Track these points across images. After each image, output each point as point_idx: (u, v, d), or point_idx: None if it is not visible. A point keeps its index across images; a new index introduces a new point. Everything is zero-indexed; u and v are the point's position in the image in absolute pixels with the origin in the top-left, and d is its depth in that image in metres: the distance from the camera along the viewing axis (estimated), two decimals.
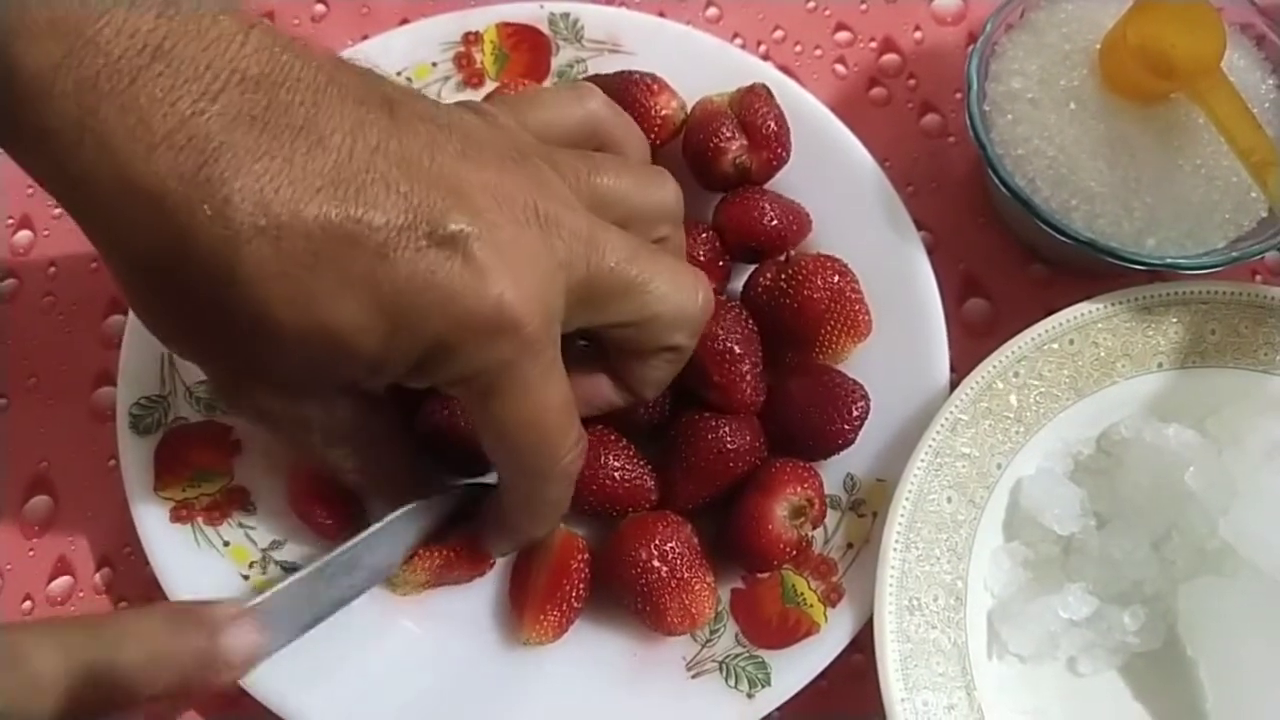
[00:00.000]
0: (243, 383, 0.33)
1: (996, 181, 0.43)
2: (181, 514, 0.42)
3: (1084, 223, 0.43)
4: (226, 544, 0.41)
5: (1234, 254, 0.42)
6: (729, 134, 0.44)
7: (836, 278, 0.43)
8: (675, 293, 0.35)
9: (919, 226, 0.47)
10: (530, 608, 0.41)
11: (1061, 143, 0.43)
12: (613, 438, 0.41)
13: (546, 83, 0.49)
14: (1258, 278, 0.48)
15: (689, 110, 0.46)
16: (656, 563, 0.40)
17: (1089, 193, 0.43)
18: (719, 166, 0.45)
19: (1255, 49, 0.46)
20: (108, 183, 0.27)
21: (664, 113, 0.45)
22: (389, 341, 0.30)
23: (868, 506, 0.42)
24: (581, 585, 0.41)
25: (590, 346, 0.38)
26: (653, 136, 0.45)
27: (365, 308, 0.29)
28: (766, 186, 0.46)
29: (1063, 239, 0.42)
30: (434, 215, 0.30)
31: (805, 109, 0.47)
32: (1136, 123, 0.43)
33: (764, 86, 0.45)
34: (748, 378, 0.41)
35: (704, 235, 0.45)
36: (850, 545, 0.42)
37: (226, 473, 0.43)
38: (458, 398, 0.34)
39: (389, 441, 0.38)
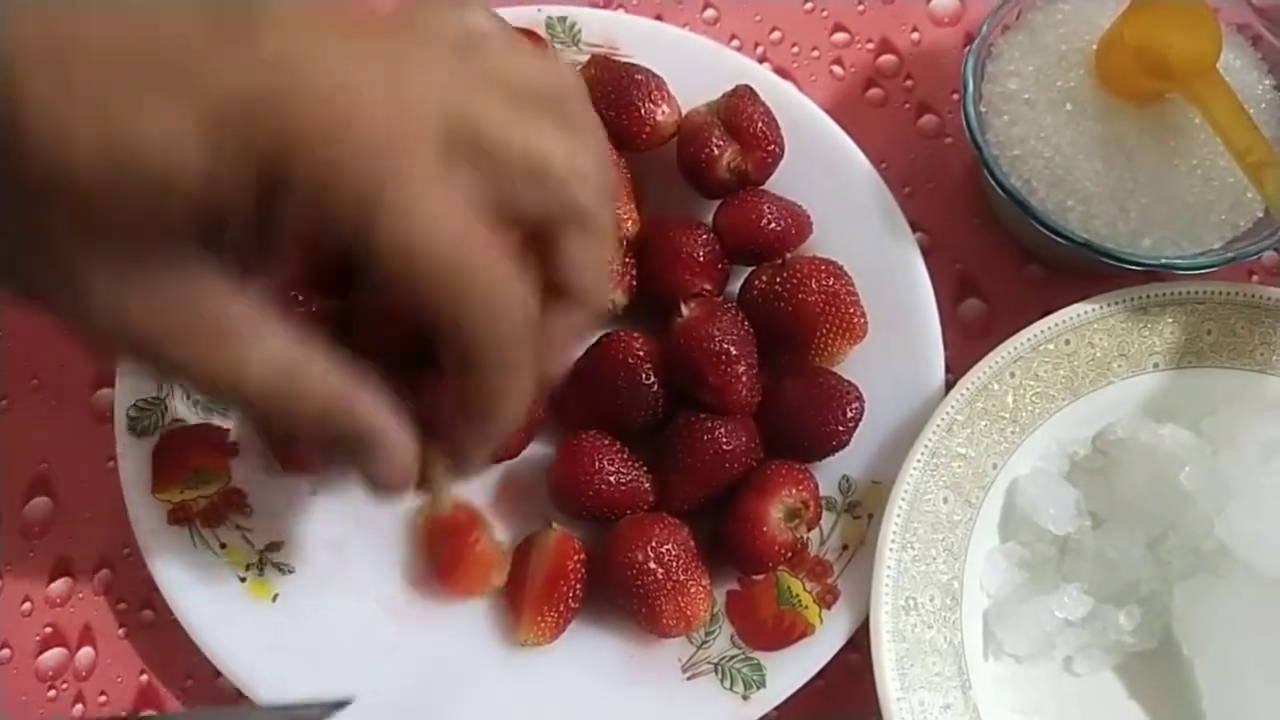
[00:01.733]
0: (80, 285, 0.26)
1: (993, 182, 0.43)
2: (179, 516, 0.42)
3: (1080, 223, 0.43)
4: (224, 546, 0.42)
5: (1230, 254, 0.42)
6: (719, 142, 0.44)
7: (831, 280, 0.43)
8: (565, 146, 0.29)
9: (916, 227, 0.47)
10: (528, 609, 0.41)
11: (1058, 143, 0.43)
12: (606, 442, 0.42)
13: None
14: (1254, 277, 0.48)
15: (682, 118, 0.46)
16: (652, 565, 0.40)
17: (1085, 193, 0.43)
18: (715, 175, 0.45)
19: (1251, 49, 0.46)
20: None
21: (657, 119, 0.45)
22: (215, 162, 0.24)
23: (863, 508, 0.42)
24: (578, 586, 0.41)
25: None
26: (641, 141, 0.45)
27: (182, 119, 0.24)
28: (765, 188, 0.46)
29: (1059, 240, 0.42)
30: (244, 9, 0.24)
31: (801, 111, 0.47)
32: (1133, 123, 0.43)
33: (747, 88, 0.45)
34: (743, 379, 0.41)
35: (704, 238, 0.45)
36: (845, 547, 0.42)
37: (224, 474, 0.43)
38: (332, 248, 0.27)
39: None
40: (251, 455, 0.43)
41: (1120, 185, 0.43)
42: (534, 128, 0.28)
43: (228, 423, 0.44)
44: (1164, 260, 0.42)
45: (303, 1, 0.26)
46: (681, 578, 0.40)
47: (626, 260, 0.45)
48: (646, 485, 0.42)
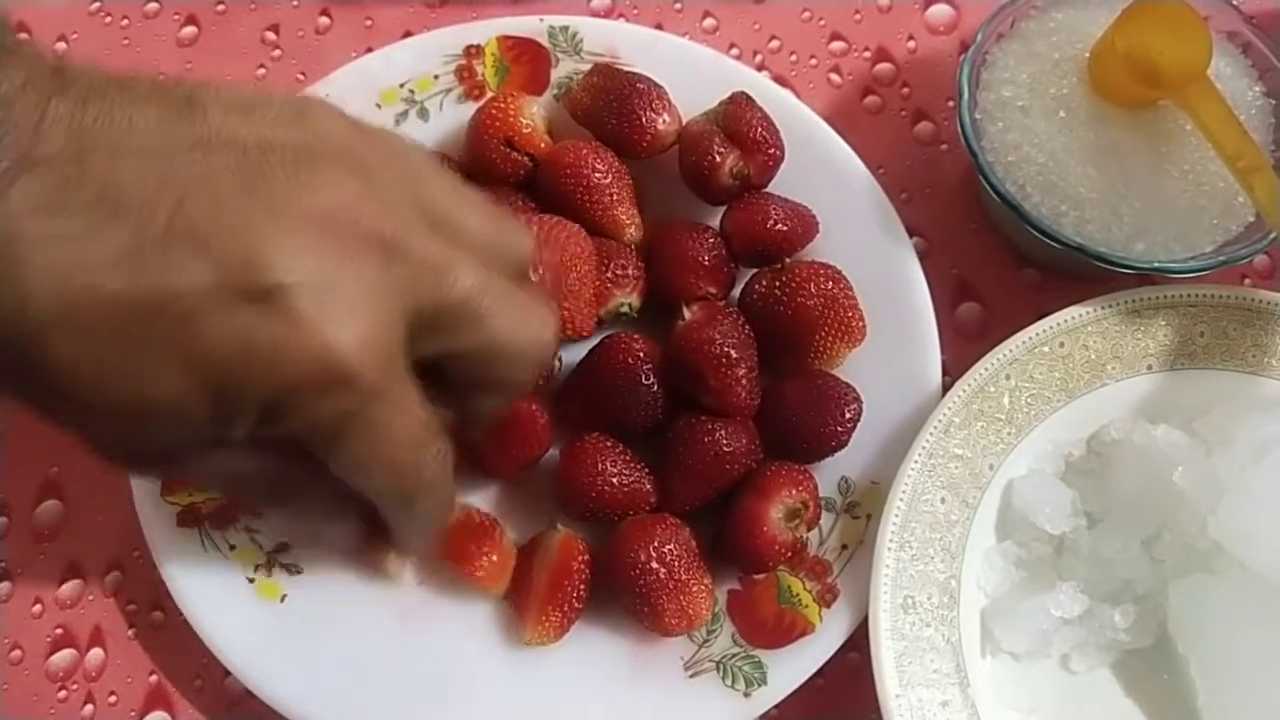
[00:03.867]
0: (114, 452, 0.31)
1: (988, 188, 0.44)
2: (188, 518, 0.42)
3: (1074, 228, 0.44)
4: (233, 547, 0.42)
5: (1221, 258, 0.43)
6: (720, 149, 0.45)
7: (830, 284, 0.43)
8: (521, 328, 0.33)
9: (913, 233, 0.48)
10: (532, 609, 0.41)
11: (1051, 149, 0.44)
12: (609, 444, 0.42)
13: (546, 94, 0.50)
14: (1246, 281, 0.49)
15: (682, 128, 0.47)
16: (655, 564, 0.40)
17: (1078, 198, 0.44)
18: (718, 181, 0.46)
19: (1242, 56, 0.47)
20: None
21: (658, 127, 0.46)
22: (218, 408, 0.28)
23: (862, 509, 0.43)
24: (582, 586, 0.41)
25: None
26: (642, 149, 0.46)
27: (184, 379, 0.27)
28: (768, 191, 0.47)
29: (1053, 244, 0.43)
30: (246, 269, 0.27)
31: (800, 119, 0.48)
32: (1125, 129, 0.44)
33: (744, 94, 0.46)
34: (743, 382, 0.42)
35: (710, 241, 0.46)
36: (845, 546, 0.42)
37: None
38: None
39: (309, 486, 0.34)
40: None
41: (1113, 190, 0.44)
42: (500, 299, 0.32)
43: None
44: (1157, 264, 0.43)
45: (302, 239, 0.28)
46: (683, 577, 0.41)
47: (639, 264, 0.46)
48: (649, 486, 0.42)
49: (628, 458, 0.42)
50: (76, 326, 0.26)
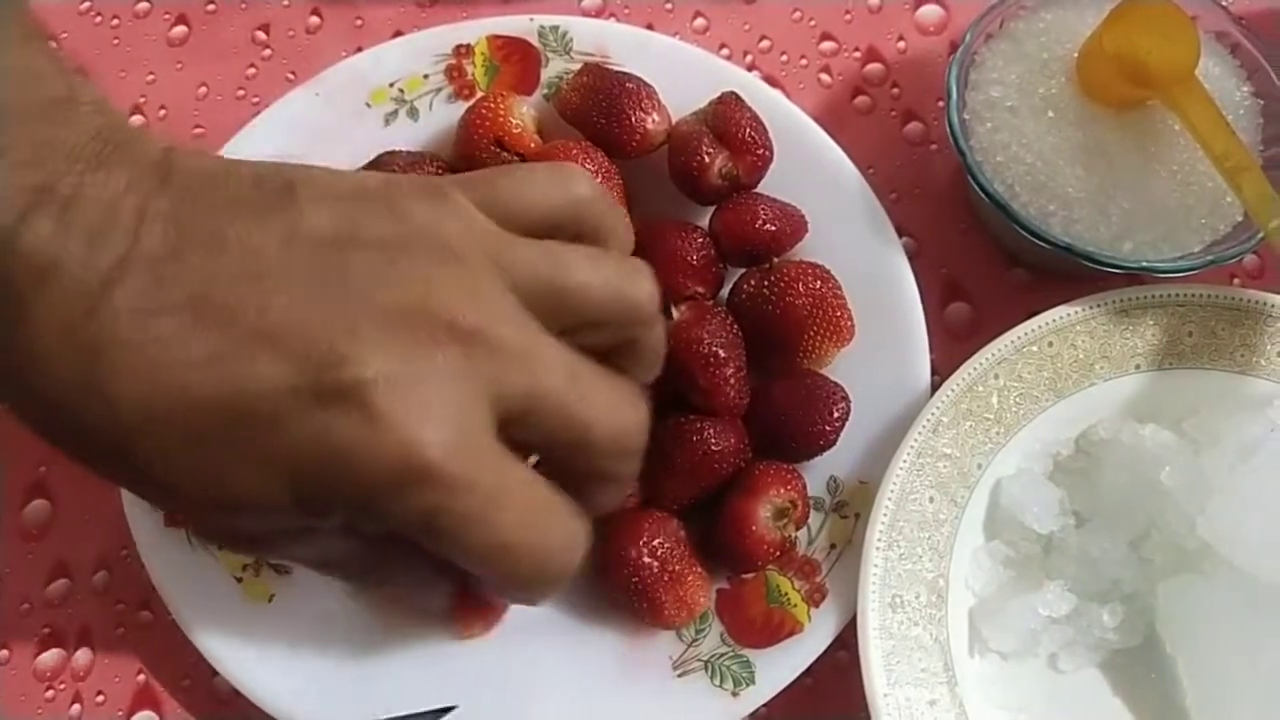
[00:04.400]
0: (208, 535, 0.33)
1: (976, 188, 0.44)
2: (175, 518, 0.42)
3: (1062, 228, 0.44)
4: (220, 547, 0.42)
5: (1209, 257, 0.43)
6: (709, 149, 0.45)
7: (818, 284, 0.43)
8: (609, 418, 0.31)
9: (902, 232, 0.48)
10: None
11: (1040, 149, 0.44)
12: None
13: (536, 94, 0.50)
14: (1235, 280, 0.49)
15: (671, 128, 0.47)
16: (647, 559, 0.40)
17: (1066, 198, 0.44)
18: (707, 182, 0.46)
19: (1230, 56, 0.47)
20: (16, 390, 0.28)
21: (647, 127, 0.46)
22: (304, 506, 0.28)
23: (850, 508, 0.43)
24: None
25: None
26: (631, 148, 0.46)
27: (267, 479, 0.27)
28: (757, 191, 0.47)
29: (1041, 244, 0.43)
30: (323, 369, 0.27)
31: (789, 119, 0.48)
32: (1113, 129, 0.44)
33: (733, 94, 0.46)
34: (731, 381, 0.42)
35: (699, 241, 0.46)
36: (833, 546, 0.42)
37: None
38: None
39: (405, 562, 0.33)
40: None
41: (1101, 190, 0.44)
42: (589, 391, 0.31)
43: None
44: (1144, 263, 0.43)
45: (382, 343, 0.28)
46: (677, 568, 0.41)
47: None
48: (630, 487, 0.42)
49: None
50: (164, 427, 0.27)
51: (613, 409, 0.31)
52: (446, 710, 0.39)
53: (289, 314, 0.27)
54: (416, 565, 0.33)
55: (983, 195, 0.44)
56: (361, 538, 0.31)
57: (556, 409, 0.30)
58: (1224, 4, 0.47)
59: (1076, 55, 0.45)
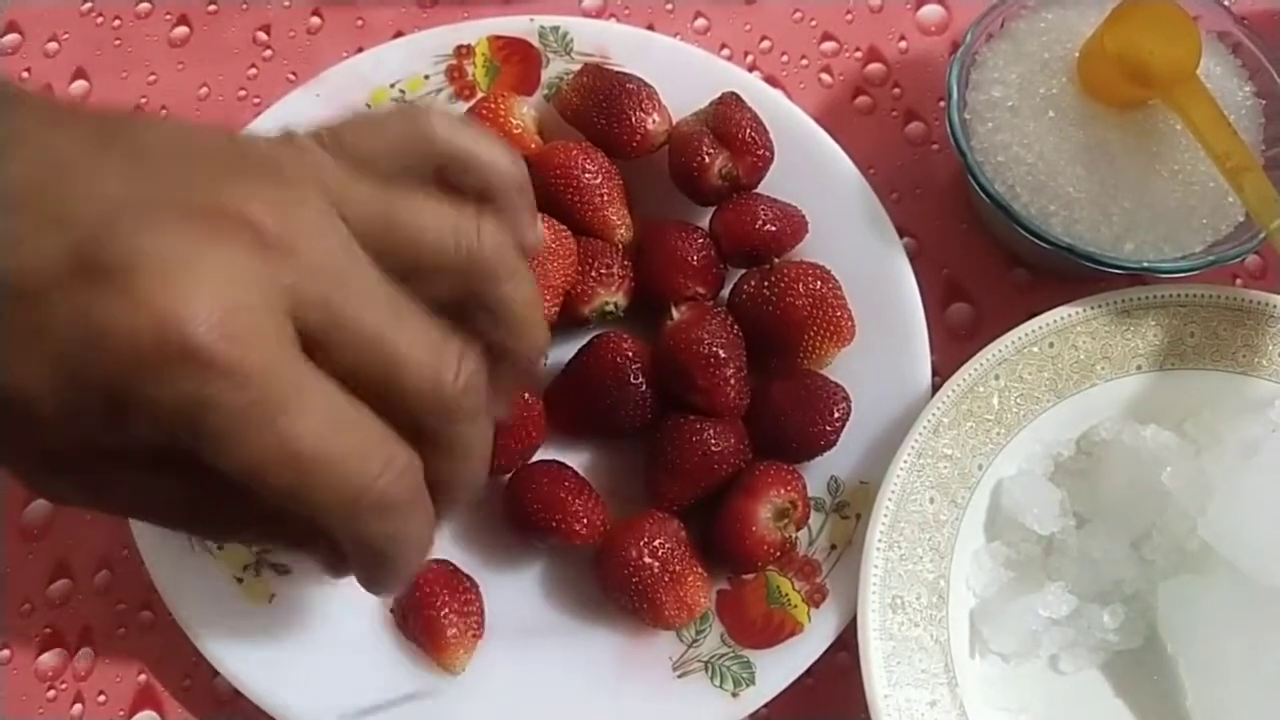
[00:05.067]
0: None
1: (977, 188, 0.44)
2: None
3: (1063, 228, 0.44)
4: (220, 547, 0.42)
5: (1211, 258, 0.43)
6: (709, 149, 0.45)
7: (819, 284, 0.43)
8: (428, 365, 0.28)
9: (904, 233, 0.48)
10: (431, 647, 0.41)
11: (1041, 149, 0.44)
12: (556, 469, 0.43)
13: (537, 95, 0.50)
14: (1237, 280, 0.49)
15: (672, 128, 0.47)
16: (648, 559, 0.40)
17: (1067, 198, 0.44)
18: (707, 182, 0.46)
19: (1231, 56, 0.47)
20: None
21: (647, 127, 0.46)
22: (65, 399, 0.26)
23: (851, 509, 0.43)
24: (459, 600, 0.41)
25: None
26: (631, 149, 0.46)
27: (31, 365, 0.26)
28: (758, 191, 0.47)
29: (1042, 244, 0.43)
30: (96, 245, 0.25)
31: (790, 119, 0.48)
32: (1114, 129, 0.44)
33: (734, 95, 0.46)
34: (732, 381, 0.42)
35: (699, 242, 0.46)
36: (834, 546, 0.42)
37: None
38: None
39: (236, 508, 0.29)
40: None
41: (1102, 190, 0.44)
42: (400, 333, 0.28)
43: None
44: (1146, 264, 0.43)
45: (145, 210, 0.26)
46: (678, 568, 0.41)
47: (625, 263, 0.46)
48: (600, 517, 0.42)
49: (574, 483, 0.42)
50: None
51: (434, 354, 0.28)
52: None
53: (87, 202, 0.26)
54: (251, 514, 0.29)
55: (983, 196, 0.43)
56: (173, 473, 0.28)
57: (361, 336, 0.27)
58: (1226, 4, 0.47)
59: (1077, 55, 0.45)
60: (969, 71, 0.46)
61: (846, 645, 0.41)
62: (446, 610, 0.41)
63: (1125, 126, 0.44)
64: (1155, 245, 0.43)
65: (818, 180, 0.48)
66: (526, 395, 0.42)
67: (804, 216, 0.46)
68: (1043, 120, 0.45)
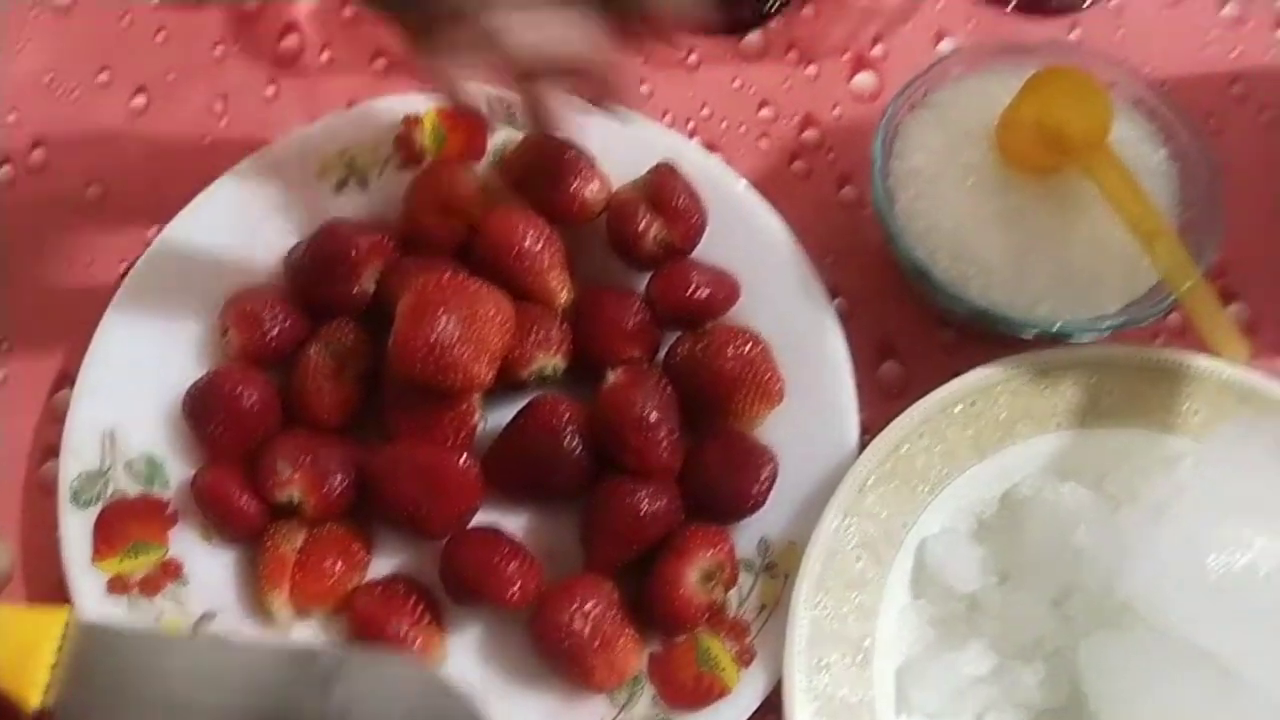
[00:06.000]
0: None
1: (898, 253, 0.45)
2: (117, 586, 0.43)
3: (980, 291, 0.45)
4: (160, 615, 0.43)
5: (1124, 319, 0.44)
6: (644, 217, 0.47)
7: (748, 347, 0.45)
8: None
9: (837, 293, 0.50)
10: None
11: (960, 215, 0.46)
12: (490, 533, 0.44)
13: (483, 162, 0.51)
14: (1159, 338, 0.50)
15: (610, 196, 0.49)
16: (579, 623, 0.41)
17: (985, 263, 0.45)
18: (643, 248, 0.47)
19: (1147, 122, 0.48)
20: None
21: (586, 195, 0.48)
22: None
23: (780, 568, 0.44)
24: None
25: None
26: (571, 216, 0.48)
27: None
28: (694, 257, 0.49)
29: (960, 307, 0.44)
30: None
31: (726, 185, 0.50)
32: (1031, 195, 0.46)
33: (668, 165, 0.48)
34: (664, 443, 0.43)
35: (634, 307, 0.47)
36: (763, 606, 0.43)
37: (162, 545, 0.44)
38: None
39: None
40: (190, 524, 0.45)
41: (1019, 254, 0.45)
42: None
43: (167, 494, 0.45)
44: (1059, 326, 0.44)
45: None
46: (609, 632, 0.41)
47: (564, 327, 0.47)
48: (533, 581, 0.43)
49: (509, 547, 0.43)
50: None
51: None
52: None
53: None
54: None
55: (904, 260, 0.45)
56: None
57: None
58: (1139, 71, 0.49)
59: (996, 124, 0.47)
60: (893, 140, 0.47)
61: (775, 706, 0.41)
62: None
63: (1042, 193, 0.46)
64: (1070, 307, 0.45)
65: (751, 245, 0.49)
66: (463, 460, 0.43)
67: (737, 281, 0.48)
68: (962, 187, 0.46)
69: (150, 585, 0.43)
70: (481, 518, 0.45)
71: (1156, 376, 0.45)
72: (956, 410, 0.44)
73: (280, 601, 0.43)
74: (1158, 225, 0.44)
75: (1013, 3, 0.59)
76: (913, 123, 0.48)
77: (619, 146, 0.49)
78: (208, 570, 0.45)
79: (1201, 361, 0.45)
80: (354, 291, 0.46)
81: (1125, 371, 0.45)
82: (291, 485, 0.43)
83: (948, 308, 0.45)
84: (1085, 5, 0.59)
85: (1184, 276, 0.43)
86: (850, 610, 0.42)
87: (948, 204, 0.46)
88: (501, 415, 0.46)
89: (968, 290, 0.45)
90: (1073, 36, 0.58)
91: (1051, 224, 0.46)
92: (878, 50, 0.51)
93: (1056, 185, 0.46)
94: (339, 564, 0.44)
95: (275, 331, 0.46)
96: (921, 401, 0.44)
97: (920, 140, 0.47)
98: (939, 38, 0.58)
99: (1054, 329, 0.44)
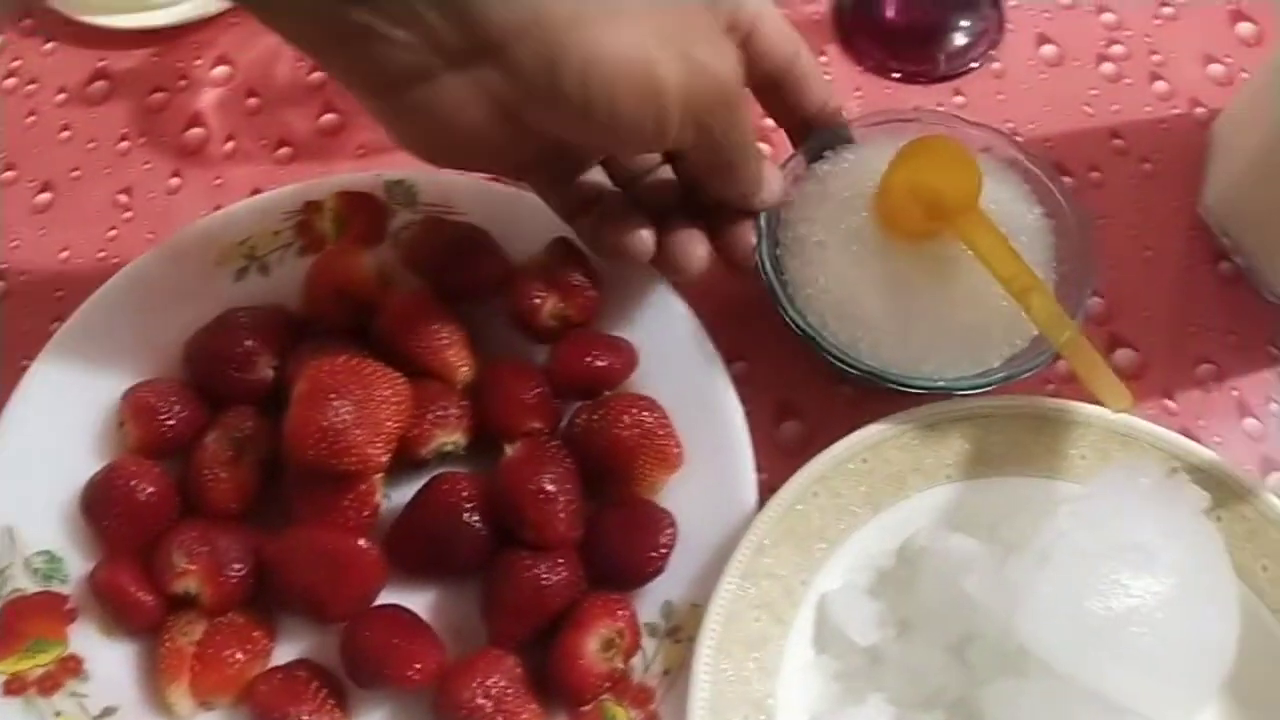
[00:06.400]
0: None
1: (786, 319, 0.46)
2: (14, 686, 0.42)
3: (869, 352, 0.46)
4: (58, 714, 0.42)
5: (1006, 373, 0.46)
6: (541, 292, 0.48)
7: (644, 414, 0.46)
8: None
9: (737, 357, 0.51)
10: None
11: (845, 281, 0.47)
12: (392, 612, 0.44)
13: (384, 244, 0.52)
14: (1050, 386, 0.52)
15: (508, 273, 0.50)
16: (481, 699, 0.41)
17: (871, 325, 0.46)
18: (540, 323, 0.48)
19: (1021, 183, 0.50)
20: None
21: (485, 273, 0.49)
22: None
23: (684, 631, 0.44)
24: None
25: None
26: (470, 293, 0.49)
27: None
28: (593, 327, 0.50)
29: (849, 369, 0.45)
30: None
31: None
32: (911, 259, 0.47)
33: (564, 240, 0.49)
34: (561, 515, 0.44)
35: (534, 379, 0.48)
36: (667, 671, 0.43)
37: (61, 642, 0.44)
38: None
39: None
40: (90, 619, 0.44)
41: (903, 316, 0.46)
42: None
43: (67, 589, 0.45)
44: (943, 383, 0.45)
45: None
46: (512, 708, 0.41)
47: (464, 404, 0.47)
48: (435, 659, 0.43)
49: (410, 626, 0.43)
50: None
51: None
52: None
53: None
54: None
55: (793, 326, 0.46)
56: None
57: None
58: (1013, 135, 0.51)
59: (875, 193, 0.49)
60: (779, 211, 0.49)
61: None
62: None
63: (921, 256, 0.47)
64: (954, 364, 0.46)
65: (648, 314, 0.50)
66: (363, 542, 0.43)
67: (634, 350, 0.49)
68: (846, 254, 0.48)
69: (49, 682, 0.43)
70: (386, 596, 0.45)
71: (1041, 425, 0.46)
72: (849, 467, 0.45)
73: (180, 694, 0.43)
74: (1030, 281, 0.45)
75: (898, 73, 0.62)
76: (797, 193, 0.50)
77: (515, 226, 0.51)
78: (109, 665, 0.44)
79: (1085, 408, 0.47)
80: (251, 379, 0.47)
81: (1010, 421, 0.46)
82: (188, 576, 0.43)
83: (839, 369, 0.46)
84: (966, 71, 0.62)
85: (1061, 329, 0.45)
86: (752, 671, 0.42)
87: (834, 271, 0.47)
88: (406, 493, 0.46)
89: (859, 351, 0.46)
90: (958, 100, 0.61)
91: (931, 285, 0.47)
92: (769, 121, 0.53)
93: (935, 249, 0.47)
94: (239, 653, 0.43)
95: (172, 422, 0.46)
96: (814, 461, 0.45)
97: (804, 210, 0.49)
98: None
99: (938, 385, 0.45)
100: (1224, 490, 0.45)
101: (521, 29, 0.35)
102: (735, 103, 0.40)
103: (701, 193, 0.46)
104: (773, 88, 0.46)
